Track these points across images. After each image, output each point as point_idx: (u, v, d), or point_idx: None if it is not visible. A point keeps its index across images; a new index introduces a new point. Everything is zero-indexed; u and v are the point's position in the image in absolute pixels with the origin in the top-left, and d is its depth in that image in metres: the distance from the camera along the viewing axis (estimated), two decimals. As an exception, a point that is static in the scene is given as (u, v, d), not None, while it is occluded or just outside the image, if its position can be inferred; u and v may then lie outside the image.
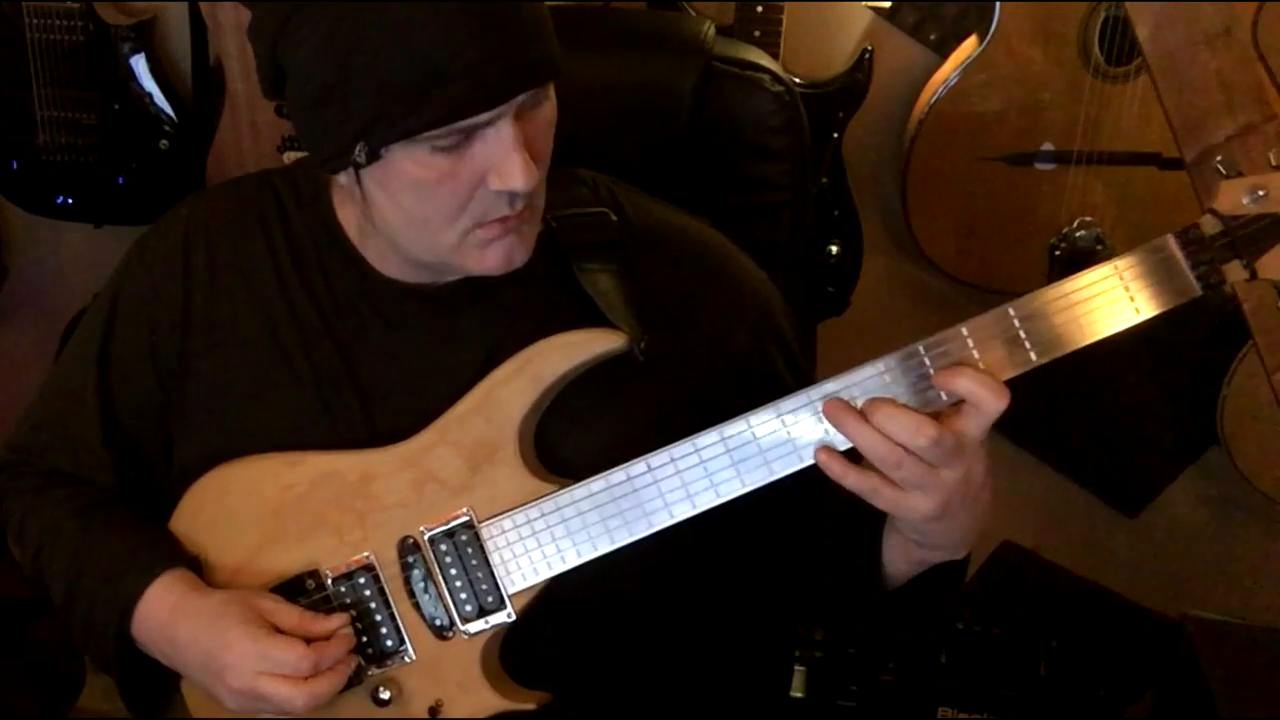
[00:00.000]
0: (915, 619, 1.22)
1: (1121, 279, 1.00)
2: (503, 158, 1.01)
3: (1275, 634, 2.13)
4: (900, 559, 1.13)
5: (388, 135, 1.00)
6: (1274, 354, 1.61)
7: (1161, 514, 2.30)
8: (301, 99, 1.04)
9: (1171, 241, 1.00)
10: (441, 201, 1.04)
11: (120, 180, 2.04)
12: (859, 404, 1.01)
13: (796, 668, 2.12)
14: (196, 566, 1.18)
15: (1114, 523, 2.32)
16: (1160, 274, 1.00)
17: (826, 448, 1.03)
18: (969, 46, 1.93)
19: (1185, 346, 2.09)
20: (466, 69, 0.97)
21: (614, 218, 1.20)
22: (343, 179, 1.09)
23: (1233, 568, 2.30)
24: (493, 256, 1.09)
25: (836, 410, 1.01)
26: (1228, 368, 1.98)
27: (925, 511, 1.01)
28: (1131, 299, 1.00)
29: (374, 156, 1.02)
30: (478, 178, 1.03)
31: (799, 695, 2.13)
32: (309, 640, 1.11)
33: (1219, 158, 1.01)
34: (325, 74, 1.00)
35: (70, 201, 2.06)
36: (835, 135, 1.94)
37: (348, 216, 1.17)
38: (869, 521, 1.14)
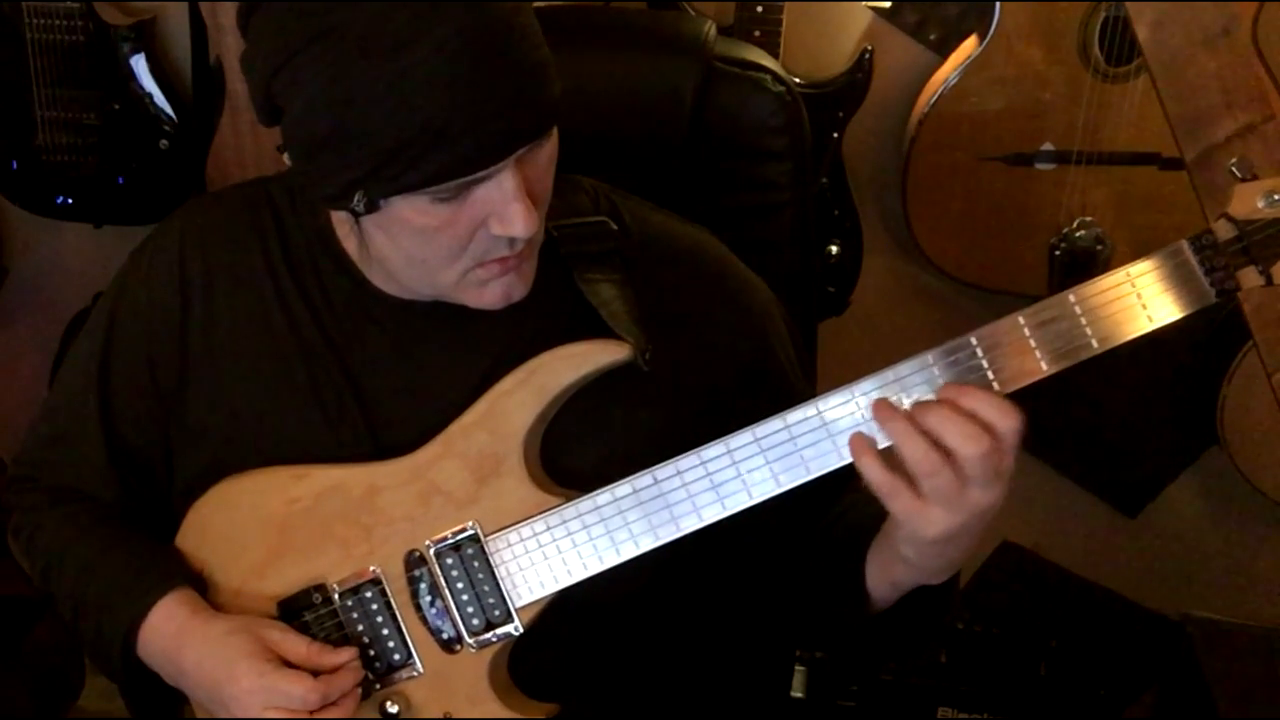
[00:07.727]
0: (899, 644, 1.18)
1: (1134, 286, 0.97)
2: (504, 205, 1.00)
3: (1275, 634, 2.13)
4: (880, 576, 1.09)
5: (386, 189, 0.99)
6: (1274, 354, 1.61)
7: (1161, 514, 2.29)
8: (296, 141, 1.02)
9: (1185, 247, 0.97)
10: (441, 245, 1.03)
11: (120, 180, 2.03)
12: (866, 414, 0.99)
13: (796, 668, 2.12)
14: (201, 583, 1.17)
15: (1114, 523, 2.31)
16: (1174, 280, 0.97)
17: (861, 435, 1.00)
18: (969, 46, 1.93)
19: (1185, 346, 2.09)
20: (465, 128, 0.95)
21: (614, 227, 1.18)
22: (341, 214, 1.08)
23: (1233, 568, 2.29)
24: (491, 294, 1.08)
25: (884, 408, 0.98)
26: (1228, 368, 1.98)
27: (938, 529, 0.97)
28: (1144, 306, 0.98)
29: (373, 207, 1.00)
30: (478, 222, 1.02)
31: (799, 695, 2.13)
32: (317, 672, 1.10)
33: (1234, 160, 0.99)
34: (321, 124, 0.98)
35: (70, 201, 2.05)
36: (835, 135, 1.94)
37: (345, 235, 1.15)
38: (855, 540, 1.12)
